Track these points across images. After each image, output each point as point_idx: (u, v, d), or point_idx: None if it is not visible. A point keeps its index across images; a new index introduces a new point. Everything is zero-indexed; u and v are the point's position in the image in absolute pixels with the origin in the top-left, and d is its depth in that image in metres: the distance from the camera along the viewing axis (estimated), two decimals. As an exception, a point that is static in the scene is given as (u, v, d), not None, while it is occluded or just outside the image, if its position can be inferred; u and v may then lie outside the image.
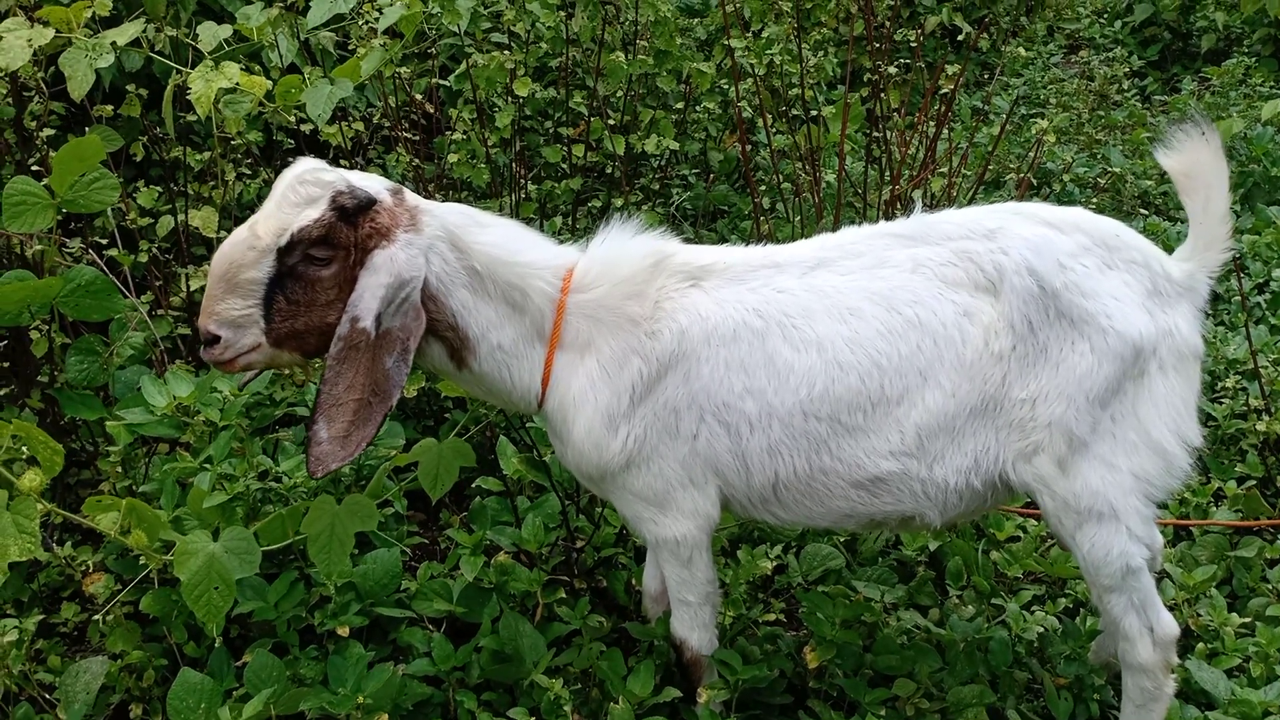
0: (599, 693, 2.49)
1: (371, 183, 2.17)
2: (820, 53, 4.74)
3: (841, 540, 3.03)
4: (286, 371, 3.03)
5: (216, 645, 2.41)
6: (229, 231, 3.40)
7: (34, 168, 2.96)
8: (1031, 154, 3.95)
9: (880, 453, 2.23)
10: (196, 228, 3.47)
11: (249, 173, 3.65)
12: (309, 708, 2.23)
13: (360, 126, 3.80)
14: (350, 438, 2.11)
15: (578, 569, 2.91)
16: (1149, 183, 5.17)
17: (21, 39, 2.80)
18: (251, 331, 2.10)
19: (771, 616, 2.74)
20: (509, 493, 2.97)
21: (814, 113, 3.93)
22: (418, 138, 3.75)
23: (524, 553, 2.87)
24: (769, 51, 4.20)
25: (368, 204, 2.12)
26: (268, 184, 3.81)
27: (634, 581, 2.88)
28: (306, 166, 2.17)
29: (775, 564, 2.91)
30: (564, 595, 2.71)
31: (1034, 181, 4.49)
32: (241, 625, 2.59)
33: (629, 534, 2.98)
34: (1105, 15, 7.95)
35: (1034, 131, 3.84)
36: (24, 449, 2.11)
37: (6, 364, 2.80)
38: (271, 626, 2.51)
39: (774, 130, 4.22)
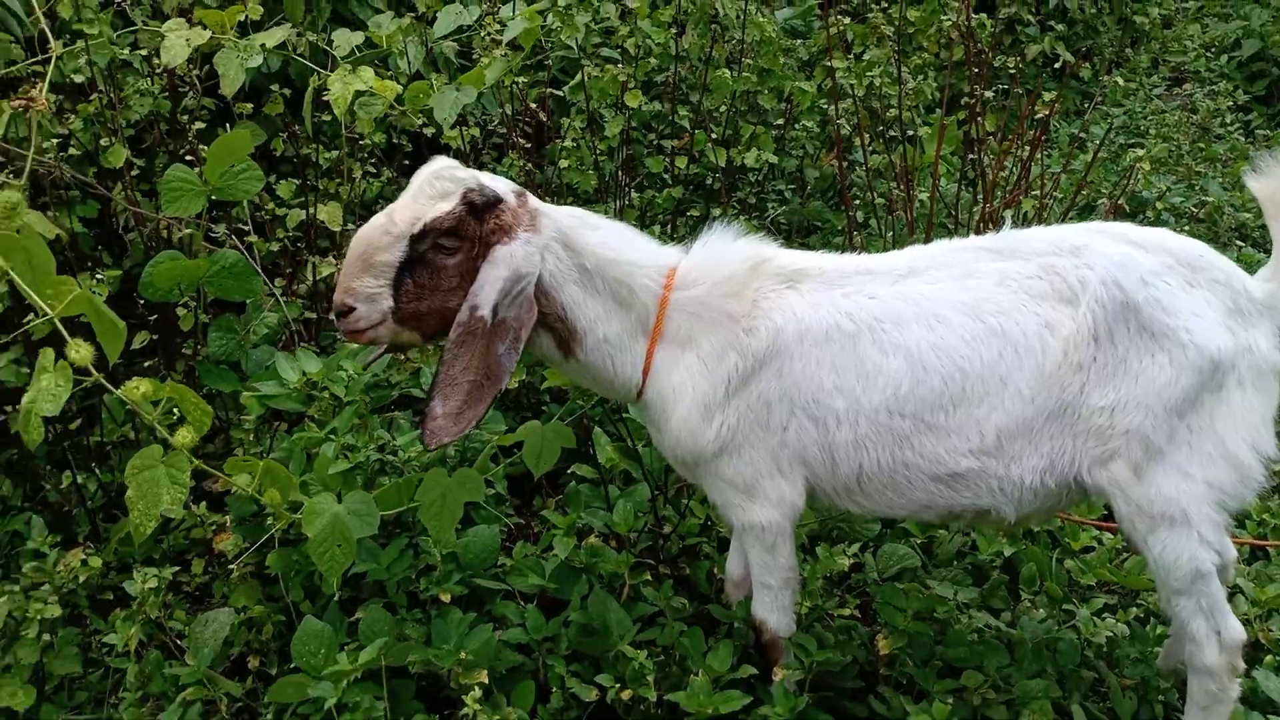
0: (679, 669, 2.64)
1: (499, 184, 2.36)
2: (920, 77, 4.85)
3: (918, 541, 3.13)
4: (402, 357, 3.25)
5: (332, 602, 2.62)
6: (356, 225, 3.67)
7: (186, 158, 3.22)
8: (1126, 181, 4.01)
9: (960, 451, 2.35)
10: (323, 221, 3.73)
11: (373, 171, 3.89)
12: (414, 660, 2.42)
13: (476, 132, 4.03)
14: (462, 415, 2.30)
15: (663, 555, 3.06)
16: (1247, 215, 5.16)
17: (181, 39, 3.08)
18: (380, 308, 2.30)
19: (847, 611, 2.86)
20: (602, 480, 3.15)
21: (910, 133, 4.05)
22: (529, 144, 3.97)
23: (614, 536, 3.04)
24: (869, 74, 4.33)
25: (494, 202, 2.32)
26: (389, 183, 4.07)
27: (716, 570, 3.03)
28: (443, 164, 2.37)
29: (852, 561, 3.02)
30: (649, 578, 2.87)
31: (1127, 208, 4.53)
32: (353, 588, 2.80)
33: (713, 525, 3.12)
34: (1213, 49, 7.89)
35: (1129, 159, 3.90)
36: (175, 410, 2.35)
37: (155, 337, 3.06)
38: (381, 588, 2.71)
39: (870, 150, 4.35)
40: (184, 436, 2.25)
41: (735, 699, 2.40)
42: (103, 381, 2.24)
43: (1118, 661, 2.73)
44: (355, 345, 2.86)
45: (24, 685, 2.47)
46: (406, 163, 4.22)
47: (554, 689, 2.52)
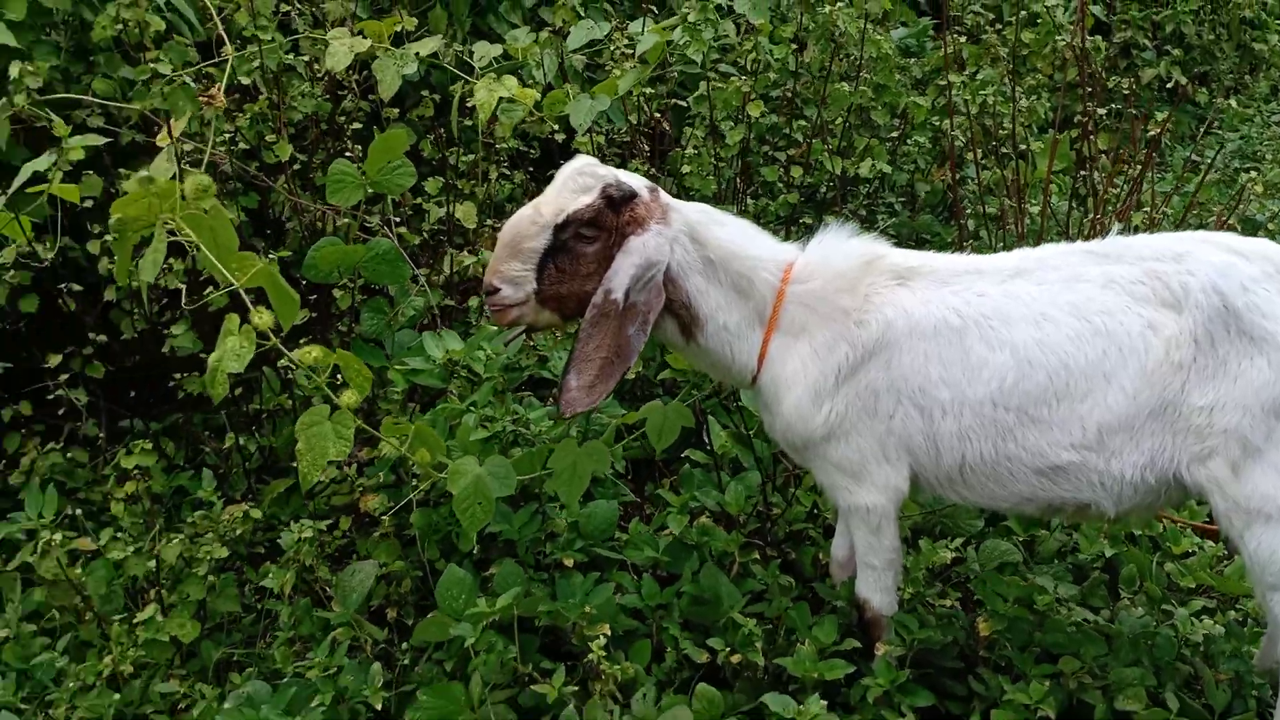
0: (785, 640, 2.80)
1: (634, 180, 2.57)
2: (1033, 96, 4.95)
3: (1020, 539, 3.24)
4: (530, 342, 3.48)
5: (467, 559, 2.85)
6: (492, 223, 3.94)
7: (345, 155, 3.52)
8: (1237, 202, 4.06)
9: (1062, 444, 2.47)
10: (458, 219, 4.01)
11: (506, 174, 4.15)
12: (543, 611, 2.63)
13: (602, 139, 4.26)
14: (595, 388, 2.51)
15: (770, 539, 3.23)
16: (1365, 240, 5.11)
17: (345, 46, 3.38)
18: (525, 290, 2.52)
19: (948, 602, 2.98)
20: (715, 466, 3.32)
21: (1022, 146, 4.16)
22: (650, 151, 4.19)
23: (724, 518, 3.21)
24: (983, 92, 4.45)
25: (630, 196, 2.53)
26: (519, 186, 4.33)
27: (820, 556, 3.18)
28: (584, 162, 2.59)
29: (954, 556, 3.14)
30: (757, 558, 3.04)
31: (1238, 228, 4.56)
32: (483, 549, 3.02)
33: (819, 512, 3.28)
34: (1337, 75, 7.76)
35: (1242, 180, 3.96)
36: (338, 377, 2.61)
37: (313, 315, 3.36)
38: (509, 550, 2.93)
39: (982, 165, 4.46)
40: (349, 398, 2.51)
41: (840, 667, 2.55)
42: (279, 346, 2.52)
43: (1213, 658, 2.80)
44: (495, 326, 3.10)
45: (190, 619, 2.74)
46: (531, 169, 4.49)
47: (668, 649, 2.71)
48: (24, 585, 2.98)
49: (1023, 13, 5.74)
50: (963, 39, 4.70)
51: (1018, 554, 3.14)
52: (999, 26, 5.48)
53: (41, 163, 2.76)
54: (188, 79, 3.02)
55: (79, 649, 2.85)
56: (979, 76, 4.84)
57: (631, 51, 4.00)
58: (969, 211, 4.44)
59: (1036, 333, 2.48)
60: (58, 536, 2.73)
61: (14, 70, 3.19)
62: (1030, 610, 2.87)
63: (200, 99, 3.08)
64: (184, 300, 2.74)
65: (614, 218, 2.52)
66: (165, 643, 2.68)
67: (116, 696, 2.63)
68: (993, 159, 4.43)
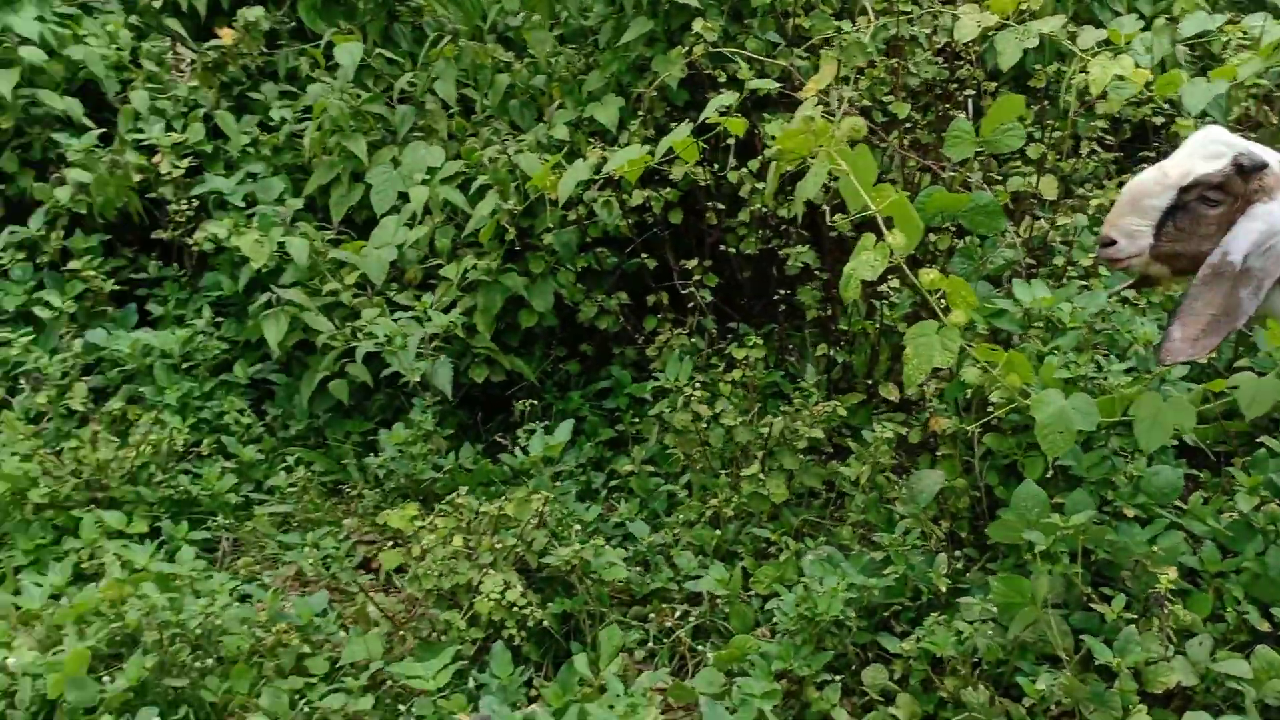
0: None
1: (1266, 153, 2.65)
2: None
3: None
4: (1110, 309, 3.60)
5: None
6: (1073, 197, 4.11)
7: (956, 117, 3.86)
8: None
9: None
10: (1039, 190, 4.20)
11: (1097, 151, 4.28)
12: (1107, 540, 2.82)
13: (1194, 125, 4.24)
14: (1198, 342, 2.64)
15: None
16: None
17: (973, 20, 3.72)
18: (1139, 244, 2.70)
19: None
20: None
21: None
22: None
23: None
24: None
25: (1260, 166, 2.61)
26: (1102, 165, 4.43)
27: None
28: (1215, 130, 2.71)
29: None
30: (1329, 552, 2.97)
31: None
32: (1044, 483, 3.21)
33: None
34: None
35: None
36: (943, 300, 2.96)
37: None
38: (1073, 486, 3.10)
39: None
40: (957, 317, 2.85)
41: None
42: (902, 265, 2.91)
43: None
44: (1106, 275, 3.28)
45: (783, 484, 3.25)
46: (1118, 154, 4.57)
47: (1228, 610, 2.77)
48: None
49: None
50: None
51: None
52: None
53: (725, 100, 3.37)
54: (863, 37, 3.52)
55: (686, 490, 3.49)
56: None
57: (1247, 43, 3.96)
58: None
59: None
60: (698, 392, 3.37)
61: (697, 25, 3.89)
62: None
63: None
64: (829, 218, 3.21)
65: (1242, 185, 2.62)
66: (763, 497, 3.21)
67: (717, 532, 3.22)
68: None
